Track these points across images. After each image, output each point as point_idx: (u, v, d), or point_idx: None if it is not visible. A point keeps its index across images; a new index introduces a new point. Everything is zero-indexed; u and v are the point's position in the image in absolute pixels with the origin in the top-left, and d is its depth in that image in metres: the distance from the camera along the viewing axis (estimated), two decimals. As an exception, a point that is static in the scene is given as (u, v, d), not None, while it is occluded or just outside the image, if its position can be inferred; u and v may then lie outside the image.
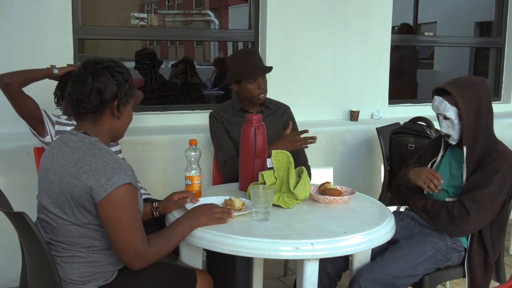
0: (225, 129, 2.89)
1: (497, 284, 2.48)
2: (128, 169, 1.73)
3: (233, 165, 2.78)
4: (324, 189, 2.29)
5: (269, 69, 2.86)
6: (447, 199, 2.38)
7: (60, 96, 2.67)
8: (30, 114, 2.53)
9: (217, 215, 1.93)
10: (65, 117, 2.65)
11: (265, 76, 2.85)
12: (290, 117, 3.02)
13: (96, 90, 1.74)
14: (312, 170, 3.02)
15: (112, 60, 1.83)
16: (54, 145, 1.81)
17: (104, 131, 1.80)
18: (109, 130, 1.82)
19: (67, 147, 1.76)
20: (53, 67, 2.58)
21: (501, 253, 2.41)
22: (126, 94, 1.80)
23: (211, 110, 2.99)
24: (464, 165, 2.35)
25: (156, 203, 2.12)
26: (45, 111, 2.57)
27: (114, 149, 2.71)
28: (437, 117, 2.42)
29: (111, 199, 1.67)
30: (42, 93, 2.70)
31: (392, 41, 4.27)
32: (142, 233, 1.74)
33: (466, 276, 2.33)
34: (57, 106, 2.72)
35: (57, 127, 2.56)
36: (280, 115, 2.97)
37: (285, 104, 3.05)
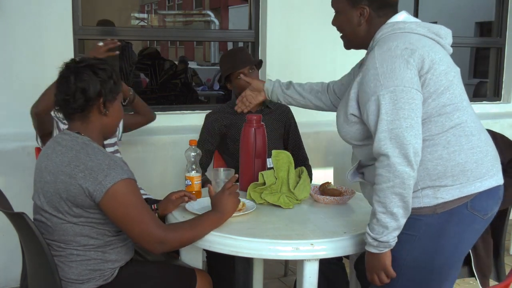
0: (218, 128, 2.86)
1: (497, 284, 2.47)
2: (123, 164, 1.74)
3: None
4: (324, 189, 2.29)
5: (253, 61, 2.82)
6: None
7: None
8: (47, 131, 2.55)
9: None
10: None
11: (254, 70, 2.81)
12: (291, 118, 3.00)
13: (79, 89, 1.74)
14: (313, 170, 3.01)
15: (96, 58, 1.85)
16: (48, 146, 1.82)
17: (95, 129, 1.80)
18: (99, 128, 1.82)
19: (61, 147, 1.76)
20: None
21: (501, 253, 2.41)
22: (111, 91, 1.79)
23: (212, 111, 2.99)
24: None
25: (155, 204, 2.12)
26: (56, 122, 2.57)
27: (110, 149, 2.70)
28: None
29: (112, 195, 1.66)
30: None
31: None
32: (153, 218, 1.74)
33: (471, 255, 2.30)
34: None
35: None
36: (279, 114, 2.96)
37: (285, 105, 3.04)
